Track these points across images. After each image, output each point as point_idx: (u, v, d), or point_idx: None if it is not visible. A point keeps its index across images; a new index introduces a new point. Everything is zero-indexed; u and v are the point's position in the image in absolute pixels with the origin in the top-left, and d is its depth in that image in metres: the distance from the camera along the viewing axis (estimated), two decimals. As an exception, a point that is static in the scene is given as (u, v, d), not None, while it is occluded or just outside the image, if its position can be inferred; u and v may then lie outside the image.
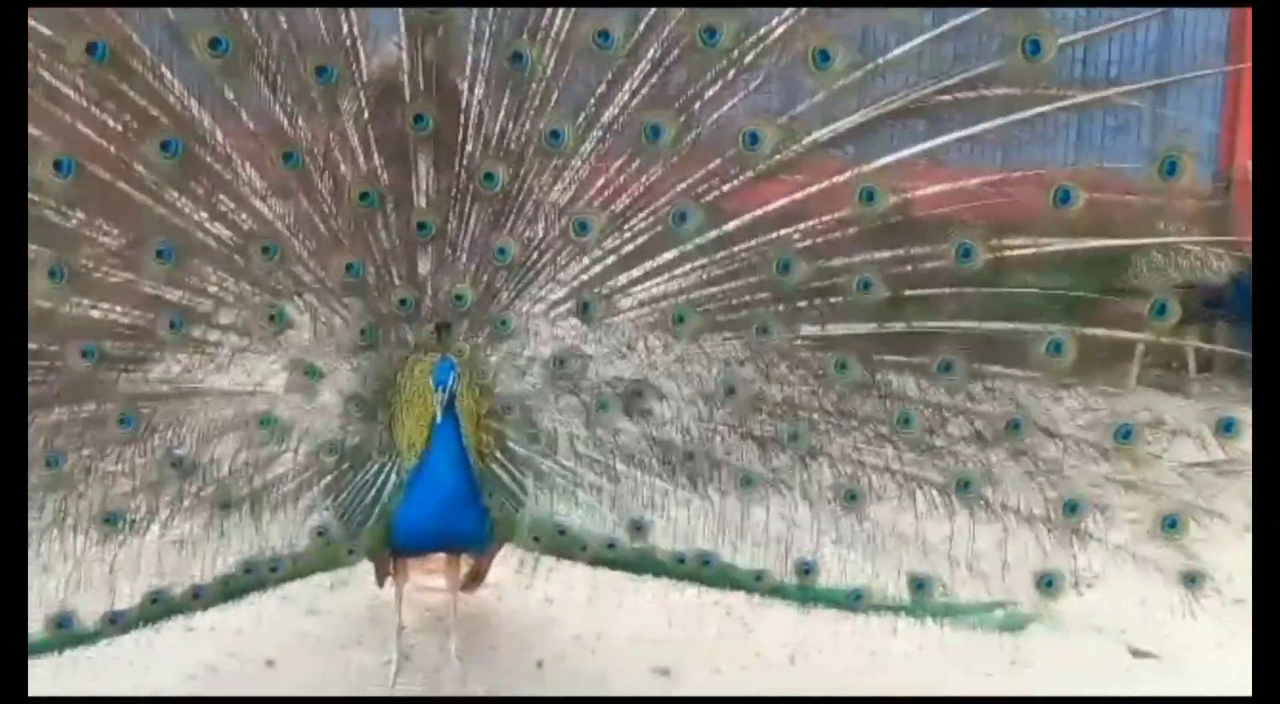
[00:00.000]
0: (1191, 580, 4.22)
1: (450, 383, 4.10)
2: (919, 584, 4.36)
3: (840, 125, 4.17)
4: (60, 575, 4.15)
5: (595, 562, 4.51)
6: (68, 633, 4.17)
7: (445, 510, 4.28)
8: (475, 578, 4.99)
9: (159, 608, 4.25)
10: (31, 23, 3.86)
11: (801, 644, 4.94)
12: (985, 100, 4.10)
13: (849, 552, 4.34)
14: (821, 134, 4.18)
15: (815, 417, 4.33)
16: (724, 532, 4.38)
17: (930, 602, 4.38)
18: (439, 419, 4.13)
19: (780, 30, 4.11)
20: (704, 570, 4.43)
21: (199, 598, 4.29)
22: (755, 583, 4.42)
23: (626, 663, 5.06)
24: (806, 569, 4.37)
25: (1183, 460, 4.24)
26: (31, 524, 4.10)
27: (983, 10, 4.07)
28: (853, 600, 4.39)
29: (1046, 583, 4.31)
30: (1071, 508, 4.25)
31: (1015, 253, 4.17)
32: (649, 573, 4.52)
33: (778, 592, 4.43)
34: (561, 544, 4.45)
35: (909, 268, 4.22)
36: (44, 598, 4.13)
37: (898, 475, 4.32)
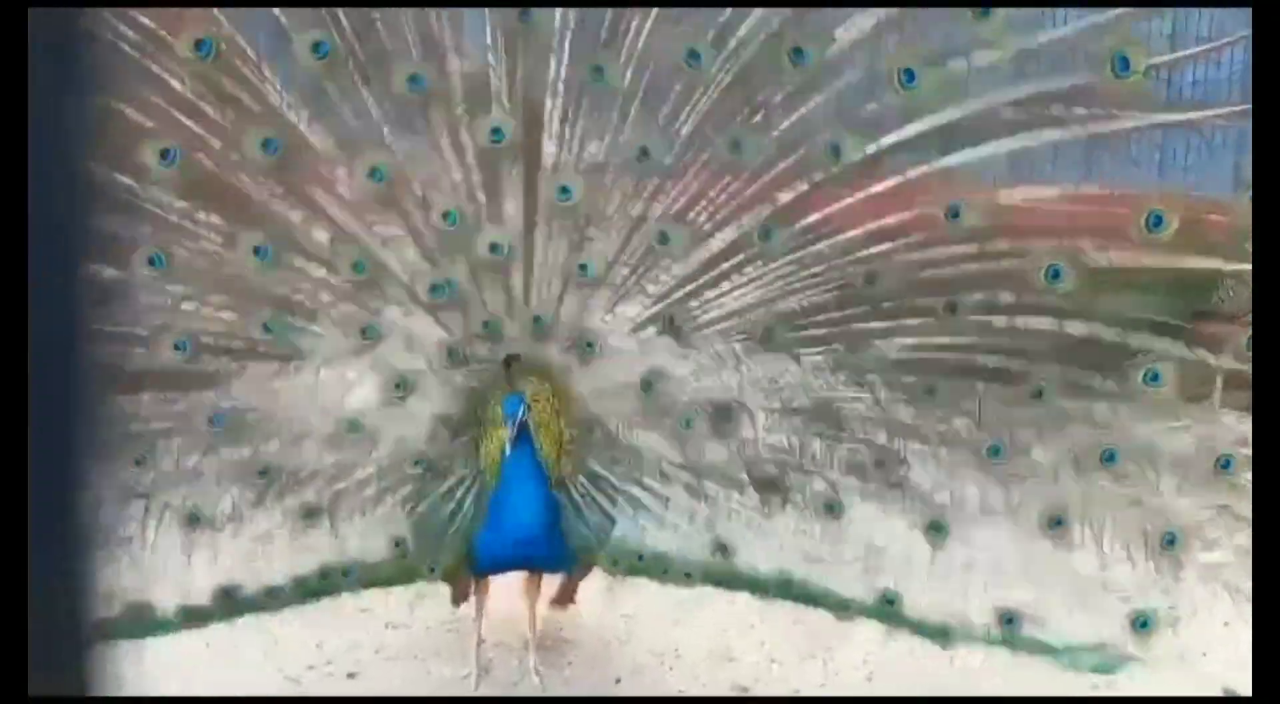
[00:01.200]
0: None
1: (520, 415, 4.15)
2: (1008, 619, 4.30)
3: (924, 131, 4.14)
4: (142, 567, 4.25)
5: (678, 584, 4.54)
6: (145, 622, 4.24)
7: (521, 536, 4.34)
8: (566, 597, 5.00)
9: (234, 603, 4.33)
10: (140, 17, 3.96)
11: (881, 664, 4.87)
12: (1071, 118, 4.07)
13: (937, 582, 4.32)
14: (904, 136, 4.17)
15: (904, 441, 4.32)
16: (811, 554, 4.38)
17: (1020, 636, 4.31)
18: (509, 451, 4.19)
19: (864, 47, 4.13)
20: (788, 589, 4.44)
21: (273, 597, 4.37)
22: (840, 610, 4.43)
23: (704, 681, 5.04)
24: (890, 600, 4.36)
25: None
26: (117, 515, 4.11)
27: (1069, 28, 4.07)
28: (939, 635, 4.36)
29: (1141, 624, 4.23)
30: (1170, 540, 4.18)
31: (1108, 267, 4.13)
32: (734, 589, 4.54)
33: (864, 612, 4.42)
34: (642, 568, 4.49)
35: (998, 289, 4.22)
36: (123, 586, 4.19)
37: (987, 504, 4.28)
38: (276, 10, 4.08)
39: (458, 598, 4.82)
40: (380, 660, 5.11)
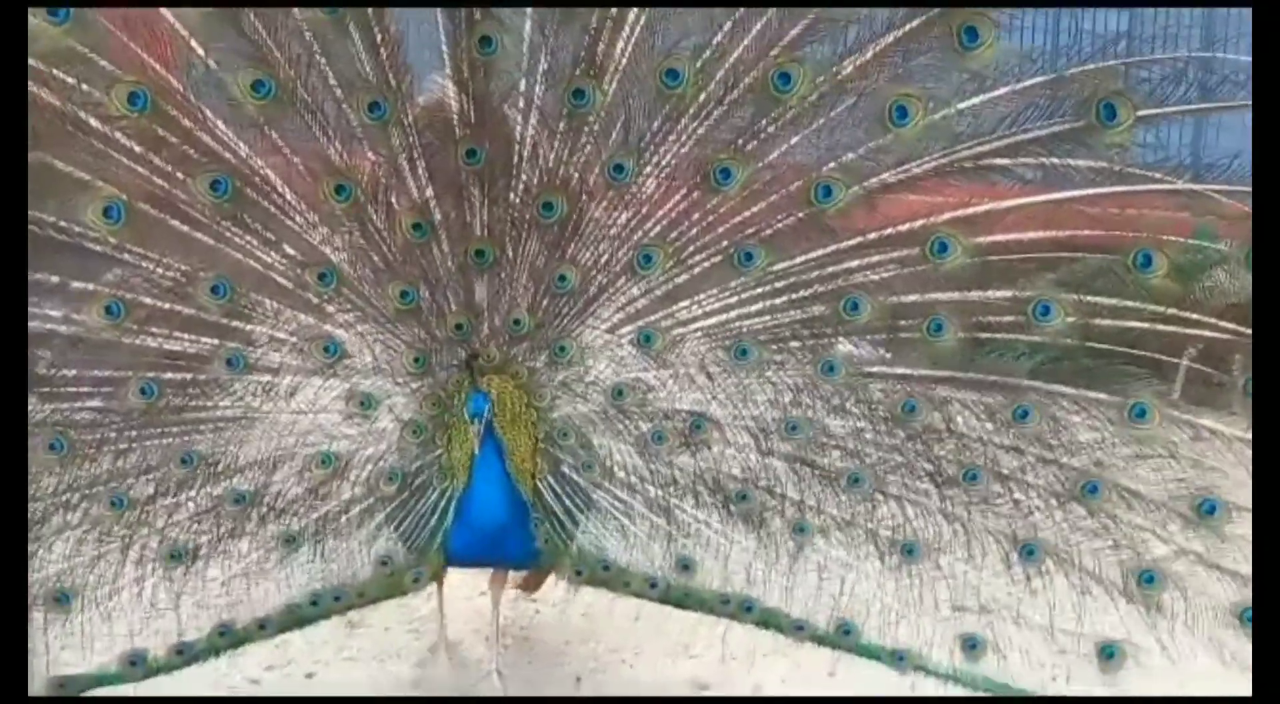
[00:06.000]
0: None
1: (485, 414, 4.24)
2: (971, 644, 4.42)
3: (914, 170, 4.13)
4: (126, 610, 4.29)
5: (638, 596, 4.63)
6: (140, 670, 4.34)
7: (490, 534, 4.41)
8: (533, 584, 5.04)
9: (226, 640, 4.41)
10: (70, 80, 3.92)
11: (841, 659, 4.88)
12: (1061, 168, 4.07)
13: (902, 606, 4.40)
14: (893, 177, 4.15)
15: (877, 466, 4.37)
16: (772, 574, 4.46)
17: (976, 672, 4.42)
18: (477, 451, 4.27)
19: (855, 75, 4.08)
20: (745, 615, 4.54)
21: (264, 629, 4.44)
22: (796, 632, 4.53)
23: (665, 678, 5.20)
24: (846, 630, 4.47)
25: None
26: (97, 552, 4.26)
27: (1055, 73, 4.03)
28: (895, 660, 4.47)
29: (1108, 654, 4.36)
30: (1148, 579, 4.27)
31: (1098, 322, 4.15)
32: (691, 609, 4.63)
33: (820, 641, 4.53)
34: (605, 579, 4.58)
35: (984, 318, 4.25)
36: (114, 629, 4.30)
37: (958, 530, 4.36)
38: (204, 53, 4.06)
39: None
40: (341, 661, 5.20)
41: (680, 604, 4.60)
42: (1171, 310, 4.08)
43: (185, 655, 4.36)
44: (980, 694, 4.45)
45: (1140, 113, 3.95)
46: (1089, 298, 4.14)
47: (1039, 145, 4.03)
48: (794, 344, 4.35)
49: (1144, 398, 4.17)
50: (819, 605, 4.45)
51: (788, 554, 4.43)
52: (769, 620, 4.51)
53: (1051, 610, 4.30)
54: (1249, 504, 4.03)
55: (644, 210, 4.29)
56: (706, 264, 4.32)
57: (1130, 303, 4.11)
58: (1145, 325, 4.11)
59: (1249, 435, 4.00)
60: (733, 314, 4.35)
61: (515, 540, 4.44)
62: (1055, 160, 4.02)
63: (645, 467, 4.48)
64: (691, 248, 4.31)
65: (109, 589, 4.24)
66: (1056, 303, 4.14)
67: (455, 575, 4.89)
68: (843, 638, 4.47)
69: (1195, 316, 4.08)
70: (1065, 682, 4.42)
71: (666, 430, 4.44)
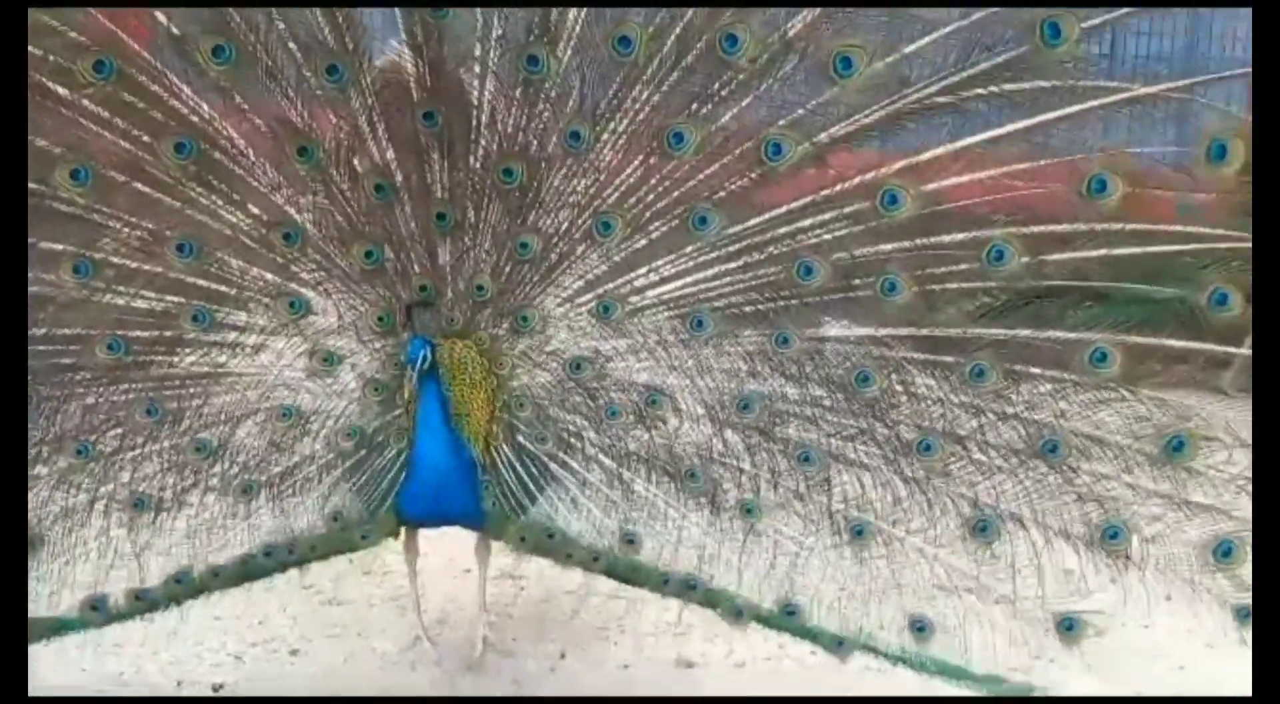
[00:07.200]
0: (1244, 614, 4.09)
1: (420, 360, 4.28)
2: (919, 626, 4.36)
3: (862, 120, 4.14)
4: (92, 557, 4.33)
5: (582, 568, 4.61)
6: (102, 615, 4.39)
7: (432, 485, 4.44)
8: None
9: (182, 588, 4.45)
10: (40, 52, 4.03)
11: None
12: (1009, 94, 4.04)
13: (854, 583, 4.33)
14: (841, 129, 4.17)
15: (834, 435, 4.34)
16: (723, 551, 4.43)
17: (927, 656, 4.35)
18: (413, 396, 4.31)
19: (802, 33, 4.10)
20: (689, 594, 4.52)
21: (218, 578, 4.48)
22: (736, 617, 4.48)
23: (649, 655, 5.19)
24: (791, 611, 4.42)
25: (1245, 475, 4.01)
26: (62, 505, 4.32)
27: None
28: (835, 645, 4.42)
29: (1066, 626, 4.28)
30: (1112, 534, 4.18)
31: (1052, 257, 4.10)
32: (634, 585, 4.62)
33: (763, 622, 4.49)
34: (549, 547, 4.57)
35: (937, 269, 4.21)
36: (76, 579, 4.33)
37: (915, 495, 4.29)
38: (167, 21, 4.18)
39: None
40: (324, 637, 5.21)
41: (626, 579, 4.59)
42: (1130, 226, 3.99)
43: (144, 602, 4.40)
44: (981, 694, 4.36)
45: (1085, 24, 3.91)
46: (1038, 229, 4.08)
47: (986, 78, 4.00)
48: (748, 310, 4.36)
49: (1102, 342, 4.11)
50: (769, 583, 4.39)
51: (740, 530, 4.39)
52: (713, 600, 4.48)
53: (1013, 579, 4.21)
54: (1217, 435, 4.01)
55: (602, 177, 4.34)
56: (664, 229, 4.35)
57: (1082, 226, 4.04)
58: (1099, 253, 4.03)
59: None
60: (689, 280, 4.38)
61: (459, 495, 4.45)
62: (1005, 87, 3.98)
63: (600, 439, 4.50)
64: (648, 214, 4.34)
65: (74, 538, 4.30)
66: (1010, 246, 4.09)
67: (435, 558, 4.96)
68: (786, 619, 4.43)
69: (1145, 227, 4.00)
70: (1027, 652, 4.30)
71: (623, 404, 4.46)
